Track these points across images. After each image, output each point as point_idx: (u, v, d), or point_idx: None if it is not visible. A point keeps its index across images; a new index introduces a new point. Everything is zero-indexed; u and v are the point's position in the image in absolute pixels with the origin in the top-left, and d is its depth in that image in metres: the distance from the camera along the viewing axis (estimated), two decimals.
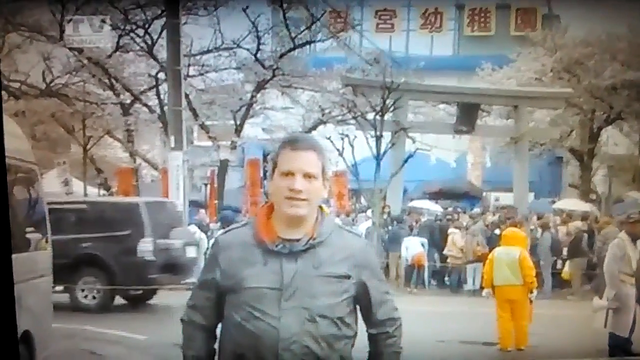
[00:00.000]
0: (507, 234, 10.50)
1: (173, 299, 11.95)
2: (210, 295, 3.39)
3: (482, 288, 10.45)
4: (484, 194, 23.82)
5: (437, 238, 15.94)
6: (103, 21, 14.54)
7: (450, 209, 19.14)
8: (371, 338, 3.43)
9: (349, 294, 3.25)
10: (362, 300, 3.33)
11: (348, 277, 3.25)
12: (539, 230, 15.88)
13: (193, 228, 14.84)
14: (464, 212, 18.40)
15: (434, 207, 17.89)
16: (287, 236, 3.22)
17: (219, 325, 3.39)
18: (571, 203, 19.56)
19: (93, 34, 14.78)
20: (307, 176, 3.16)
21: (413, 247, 15.38)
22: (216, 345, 3.41)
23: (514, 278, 9.78)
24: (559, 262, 15.32)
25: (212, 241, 10.65)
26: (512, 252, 9.92)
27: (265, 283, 3.23)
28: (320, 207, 3.31)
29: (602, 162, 22.20)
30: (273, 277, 3.23)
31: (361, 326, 3.28)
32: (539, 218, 16.79)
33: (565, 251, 15.33)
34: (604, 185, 22.97)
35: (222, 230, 3.93)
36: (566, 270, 15.08)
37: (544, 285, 13.96)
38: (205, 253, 14.24)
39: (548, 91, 20.28)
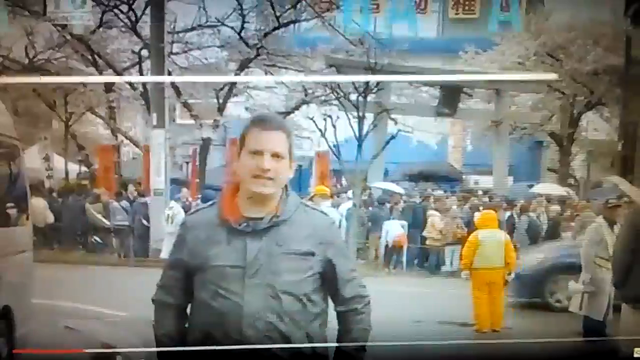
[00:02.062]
0: (485, 216, 10.46)
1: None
2: (179, 275, 3.39)
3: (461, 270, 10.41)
4: (464, 176, 23.89)
5: (418, 220, 15.92)
6: None
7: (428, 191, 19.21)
8: (340, 316, 3.43)
9: (314, 271, 3.24)
10: (329, 278, 3.33)
11: (312, 254, 3.24)
12: (517, 213, 15.90)
13: (172, 203, 14.81)
14: (446, 195, 18.44)
15: (397, 189, 17.82)
16: (251, 215, 3.21)
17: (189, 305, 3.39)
18: (549, 187, 19.58)
19: (76, 9, 14.60)
20: (275, 156, 3.16)
21: (394, 230, 15.36)
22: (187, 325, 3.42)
23: (497, 260, 9.78)
24: None
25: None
26: (497, 234, 9.94)
27: (229, 261, 3.23)
28: (285, 185, 3.28)
29: (581, 147, 22.30)
30: (237, 255, 3.23)
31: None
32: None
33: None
34: (582, 170, 23.08)
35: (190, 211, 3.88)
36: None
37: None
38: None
39: (531, 76, 20.29)
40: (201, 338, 3.30)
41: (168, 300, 3.43)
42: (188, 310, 3.45)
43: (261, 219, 3.17)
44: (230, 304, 3.20)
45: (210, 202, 3.44)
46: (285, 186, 3.27)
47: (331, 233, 3.39)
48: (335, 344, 3.36)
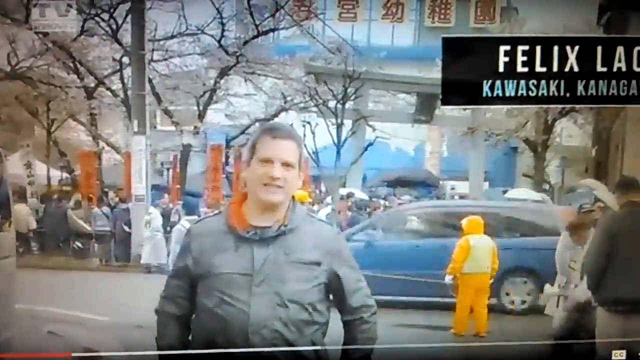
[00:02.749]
0: (473, 222, 10.47)
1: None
2: (183, 284, 3.43)
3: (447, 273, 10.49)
4: (441, 182, 24.04)
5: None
6: (69, 5, 14.42)
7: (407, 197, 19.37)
8: (346, 325, 3.49)
9: (320, 281, 3.31)
10: (335, 288, 3.39)
11: (318, 263, 3.31)
12: None
13: (151, 209, 14.90)
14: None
15: (361, 195, 17.98)
16: (259, 223, 3.28)
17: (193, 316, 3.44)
18: (523, 192, 19.77)
19: (59, 17, 14.63)
20: (286, 165, 3.22)
21: None
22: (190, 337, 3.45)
23: (485, 266, 9.89)
24: None
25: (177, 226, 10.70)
26: (486, 240, 10.04)
27: (236, 269, 3.28)
28: (293, 195, 3.38)
29: (555, 153, 22.45)
30: (244, 263, 3.29)
31: (335, 315, 3.35)
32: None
33: None
34: (556, 176, 23.25)
35: (195, 219, 3.98)
36: None
37: None
38: (159, 232, 14.44)
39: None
40: (205, 346, 3.37)
41: (172, 311, 3.48)
42: (192, 320, 3.53)
43: (269, 227, 3.24)
44: (236, 312, 3.26)
45: (215, 212, 3.54)
46: (293, 196, 3.37)
47: (337, 244, 3.45)
48: (341, 347, 3.46)
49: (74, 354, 5.32)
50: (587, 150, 20.07)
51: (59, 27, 15.52)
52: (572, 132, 22.15)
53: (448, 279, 10.04)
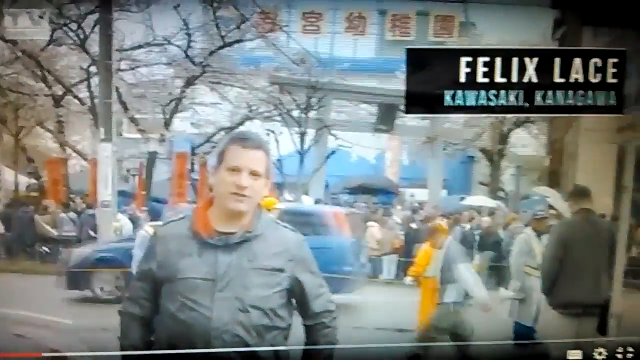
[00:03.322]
0: (437, 228, 10.48)
1: None
2: (147, 286, 3.38)
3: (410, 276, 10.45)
4: (401, 189, 24.10)
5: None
6: (41, 17, 14.28)
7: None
8: (307, 330, 3.46)
9: (282, 287, 3.28)
10: (297, 294, 3.36)
11: (282, 270, 3.27)
12: (450, 224, 16.15)
13: (119, 215, 14.79)
14: (383, 207, 18.70)
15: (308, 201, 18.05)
16: (224, 229, 3.24)
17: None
18: (480, 199, 19.89)
19: (31, 26, 14.49)
20: (253, 174, 3.19)
21: None
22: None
23: None
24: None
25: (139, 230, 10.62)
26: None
27: (200, 274, 3.24)
28: (258, 203, 3.33)
29: (510, 162, 22.61)
30: (207, 269, 3.24)
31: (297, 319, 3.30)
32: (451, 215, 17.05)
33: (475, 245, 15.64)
34: (512, 184, 23.42)
35: (159, 223, 3.91)
36: (476, 263, 15.35)
37: None
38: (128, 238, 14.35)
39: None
40: (168, 348, 3.31)
41: (135, 312, 3.42)
42: (154, 322, 3.46)
43: (233, 233, 3.20)
44: (199, 316, 3.20)
45: (181, 215, 3.47)
46: (258, 203, 3.31)
47: (301, 250, 3.40)
48: (302, 347, 3.42)
49: (44, 354, 5.27)
50: (541, 159, 20.24)
51: (28, 36, 15.36)
52: (527, 142, 22.30)
53: (408, 280, 10.04)
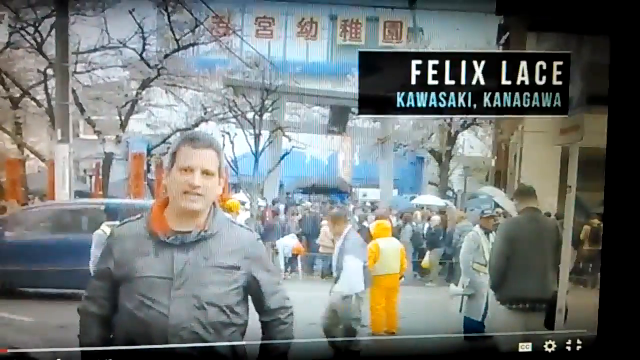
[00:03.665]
0: (380, 226, 10.60)
1: None
2: (105, 285, 3.37)
3: None
4: (353, 189, 24.14)
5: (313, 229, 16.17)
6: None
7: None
8: (264, 326, 3.48)
9: (238, 284, 3.28)
10: (253, 291, 3.37)
11: (237, 268, 3.28)
12: (402, 223, 16.23)
13: None
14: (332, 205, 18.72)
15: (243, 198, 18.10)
16: (180, 229, 3.24)
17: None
18: (429, 199, 20.01)
19: None
20: (205, 173, 3.21)
21: (288, 243, 15.49)
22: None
23: (395, 267, 9.98)
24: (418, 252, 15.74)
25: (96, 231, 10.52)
26: (394, 243, 10.14)
27: (156, 272, 3.24)
28: (214, 202, 3.31)
29: (458, 162, 22.78)
30: (164, 267, 3.25)
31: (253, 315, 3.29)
32: (402, 213, 17.17)
33: (424, 242, 15.71)
34: (460, 183, 23.59)
35: (116, 223, 3.86)
36: (426, 260, 15.44)
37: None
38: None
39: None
40: (126, 346, 3.28)
41: (93, 310, 3.41)
42: (113, 321, 3.41)
43: (189, 232, 3.20)
44: (156, 314, 3.20)
45: (137, 215, 3.44)
46: (213, 202, 3.28)
47: (256, 249, 3.42)
48: (259, 343, 3.40)
49: (12, 350, 5.21)
50: (487, 160, 20.43)
51: None
52: (474, 143, 22.49)
53: None
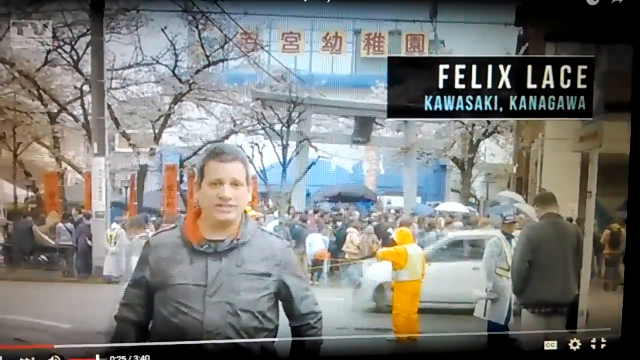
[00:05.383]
0: (403, 233, 10.53)
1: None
2: (141, 293, 3.35)
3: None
4: (378, 197, 24.10)
5: (339, 236, 16.13)
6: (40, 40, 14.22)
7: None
8: (294, 331, 3.43)
9: (270, 291, 3.25)
10: (284, 297, 3.33)
11: (269, 275, 3.25)
12: (424, 229, 16.15)
13: (114, 225, 14.72)
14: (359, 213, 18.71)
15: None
16: (213, 237, 3.21)
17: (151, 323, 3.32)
18: (452, 206, 19.91)
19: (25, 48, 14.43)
20: (235, 184, 3.18)
21: (316, 243, 15.45)
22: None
23: (420, 273, 9.93)
24: None
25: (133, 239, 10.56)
26: (418, 249, 10.09)
27: (191, 280, 3.22)
28: (245, 210, 3.30)
29: (480, 170, 22.68)
30: (198, 275, 3.22)
31: (284, 319, 3.27)
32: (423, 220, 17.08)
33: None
34: (482, 190, 23.48)
35: (150, 233, 3.87)
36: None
37: None
38: (123, 245, 14.29)
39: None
40: (162, 353, 3.27)
41: (130, 317, 3.39)
42: (149, 328, 3.40)
43: (222, 241, 3.17)
44: (191, 320, 3.17)
45: (172, 225, 3.44)
46: (245, 211, 3.28)
47: (286, 256, 3.39)
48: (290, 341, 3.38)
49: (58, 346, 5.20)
50: (508, 167, 20.29)
51: (24, 60, 15.29)
52: (495, 151, 22.37)
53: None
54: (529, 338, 6.46)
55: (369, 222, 17.13)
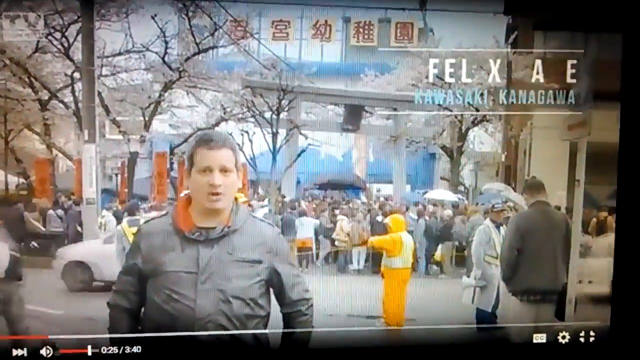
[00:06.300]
0: (397, 220, 10.50)
1: None
2: (133, 280, 3.35)
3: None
4: (367, 185, 24.12)
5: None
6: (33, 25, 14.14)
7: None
8: (285, 317, 3.45)
9: (261, 278, 3.25)
10: (275, 284, 3.34)
11: (260, 262, 3.25)
12: (415, 217, 16.17)
13: (104, 212, 14.69)
14: (348, 201, 18.72)
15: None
16: (204, 225, 3.21)
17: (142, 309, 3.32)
18: (441, 193, 19.95)
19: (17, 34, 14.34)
20: (224, 171, 3.17)
21: (307, 225, 15.46)
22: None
23: (410, 260, 9.95)
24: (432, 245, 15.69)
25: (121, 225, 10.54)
26: (410, 237, 10.10)
27: (183, 267, 3.21)
28: (235, 197, 3.29)
29: (469, 158, 22.69)
30: (190, 262, 3.22)
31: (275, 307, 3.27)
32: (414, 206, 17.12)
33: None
34: (471, 179, 23.52)
35: (142, 219, 3.86)
36: (438, 253, 15.38)
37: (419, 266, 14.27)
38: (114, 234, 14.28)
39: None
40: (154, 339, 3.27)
41: (122, 304, 3.38)
42: (141, 314, 3.40)
43: (213, 228, 3.17)
44: (183, 307, 3.17)
45: (164, 212, 3.43)
46: (235, 198, 3.27)
47: (277, 243, 3.39)
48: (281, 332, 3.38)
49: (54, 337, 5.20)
50: (497, 155, 20.31)
51: (15, 47, 15.21)
52: (484, 139, 22.38)
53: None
54: (517, 328, 6.47)
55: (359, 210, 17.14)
